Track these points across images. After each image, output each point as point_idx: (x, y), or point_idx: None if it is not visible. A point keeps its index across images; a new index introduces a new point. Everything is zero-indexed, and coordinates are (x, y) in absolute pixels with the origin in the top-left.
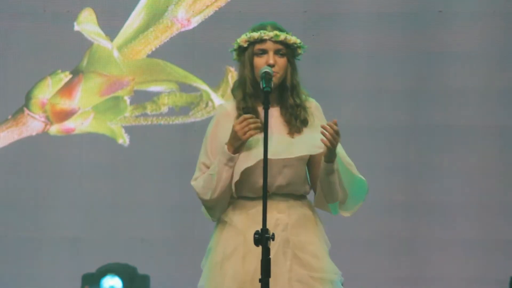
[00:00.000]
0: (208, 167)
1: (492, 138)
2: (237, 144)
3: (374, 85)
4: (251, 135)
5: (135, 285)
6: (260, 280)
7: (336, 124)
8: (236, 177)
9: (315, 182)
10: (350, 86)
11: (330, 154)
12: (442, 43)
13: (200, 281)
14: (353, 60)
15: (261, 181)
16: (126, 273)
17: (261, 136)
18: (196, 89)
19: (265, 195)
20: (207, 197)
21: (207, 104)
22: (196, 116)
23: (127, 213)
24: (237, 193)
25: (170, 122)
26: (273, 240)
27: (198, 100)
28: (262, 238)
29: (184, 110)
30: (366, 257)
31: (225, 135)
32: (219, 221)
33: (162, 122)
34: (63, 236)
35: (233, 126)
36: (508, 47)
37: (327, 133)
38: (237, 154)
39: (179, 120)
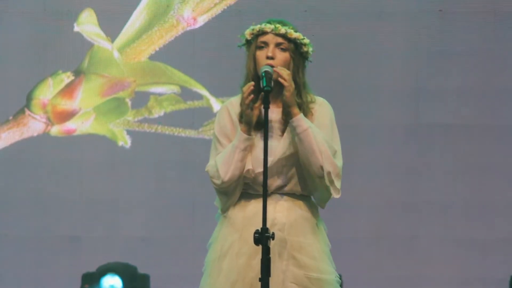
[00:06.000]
0: None
1: (492, 138)
2: (247, 119)
3: (374, 85)
4: (250, 99)
5: (135, 284)
6: (260, 280)
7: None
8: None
9: None
10: (350, 85)
11: (285, 106)
12: (442, 43)
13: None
14: (353, 59)
15: (261, 178)
16: (126, 272)
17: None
18: (196, 95)
19: (265, 194)
20: (218, 181)
21: None
22: (205, 134)
23: (127, 213)
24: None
25: (176, 134)
26: (273, 239)
27: (212, 120)
28: (262, 237)
29: (193, 123)
30: (366, 257)
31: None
32: (222, 216)
33: (167, 132)
34: (63, 236)
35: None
36: (508, 47)
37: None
38: (251, 137)
39: (186, 133)
